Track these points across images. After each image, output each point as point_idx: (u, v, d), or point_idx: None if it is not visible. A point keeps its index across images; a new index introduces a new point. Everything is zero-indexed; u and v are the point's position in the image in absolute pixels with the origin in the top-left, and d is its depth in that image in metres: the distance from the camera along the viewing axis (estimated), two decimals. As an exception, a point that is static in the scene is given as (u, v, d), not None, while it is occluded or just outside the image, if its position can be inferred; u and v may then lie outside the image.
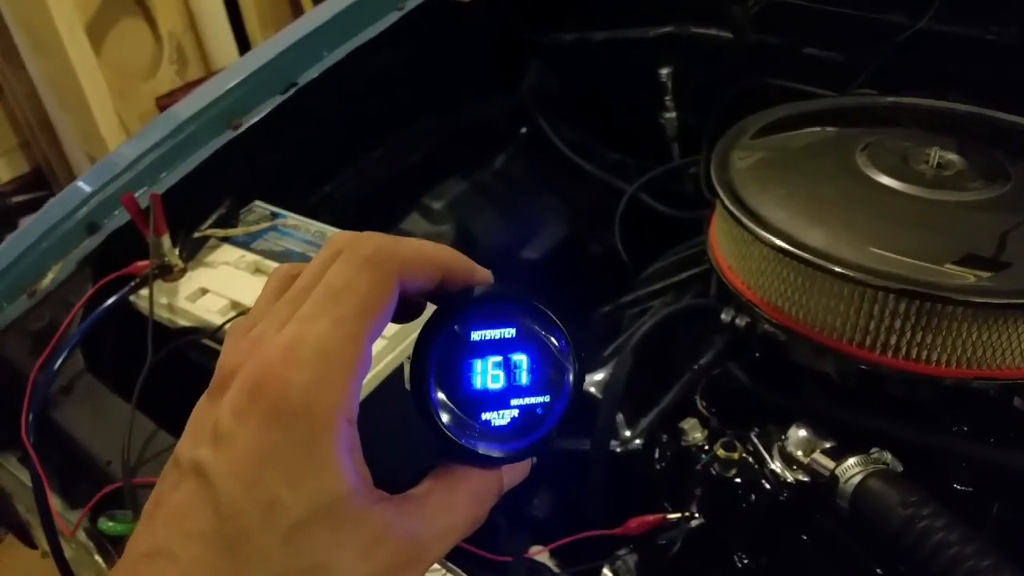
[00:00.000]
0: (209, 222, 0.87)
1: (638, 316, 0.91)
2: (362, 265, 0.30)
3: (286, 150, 1.03)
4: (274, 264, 0.82)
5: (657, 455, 0.76)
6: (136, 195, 0.83)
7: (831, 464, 0.63)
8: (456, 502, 0.32)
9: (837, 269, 0.61)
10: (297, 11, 2.97)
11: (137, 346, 0.75)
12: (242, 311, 0.78)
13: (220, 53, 2.77)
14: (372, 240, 0.31)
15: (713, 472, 0.70)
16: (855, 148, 0.75)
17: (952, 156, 0.72)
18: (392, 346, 0.71)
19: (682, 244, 0.99)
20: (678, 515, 0.71)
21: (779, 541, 0.71)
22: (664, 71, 1.15)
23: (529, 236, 1.22)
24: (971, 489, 0.65)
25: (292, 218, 0.89)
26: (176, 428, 0.30)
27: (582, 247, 1.25)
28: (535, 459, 0.35)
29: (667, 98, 1.16)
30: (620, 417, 0.77)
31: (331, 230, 0.87)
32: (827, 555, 0.68)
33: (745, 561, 0.72)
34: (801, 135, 0.82)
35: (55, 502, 0.70)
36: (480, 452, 0.32)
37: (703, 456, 0.71)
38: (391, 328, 0.69)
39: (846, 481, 0.61)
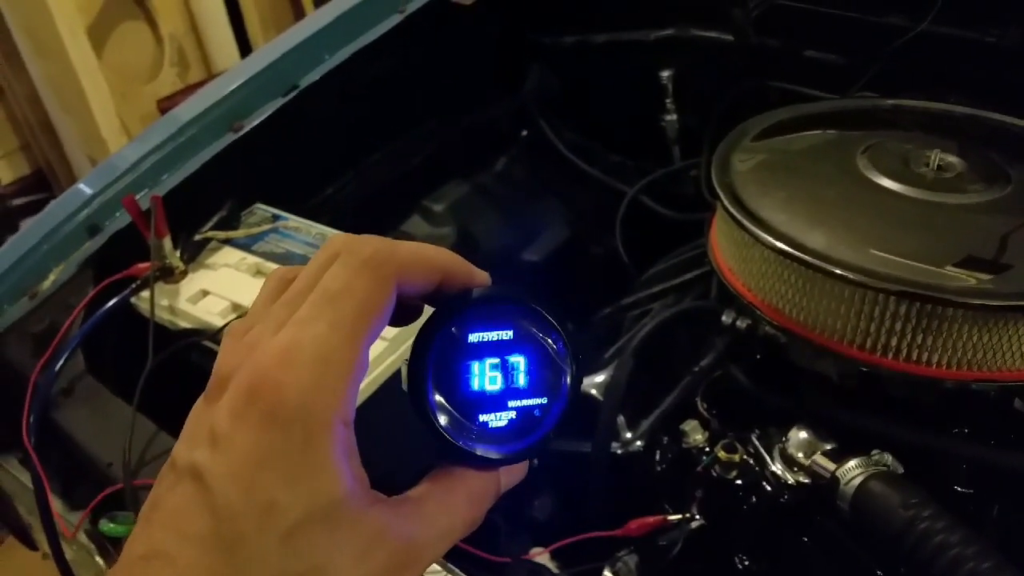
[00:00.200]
0: (210, 224, 0.87)
1: (639, 318, 0.91)
2: (360, 268, 0.30)
3: (287, 152, 1.03)
4: (275, 266, 0.82)
5: (658, 457, 0.76)
6: (137, 197, 0.83)
7: (832, 466, 0.63)
8: (454, 504, 0.32)
9: (837, 271, 0.61)
10: (298, 14, 2.98)
11: (138, 348, 0.75)
12: (243, 313, 0.78)
13: (221, 56, 2.77)
14: (370, 243, 0.31)
15: (714, 474, 0.70)
16: (856, 150, 0.75)
17: (952, 159, 0.72)
18: (392, 348, 0.71)
19: (683, 246, 0.99)
20: (679, 516, 0.71)
21: (780, 543, 0.71)
22: (665, 73, 1.15)
23: (530, 238, 1.22)
24: (972, 491, 0.65)
25: (293, 220, 0.89)
26: (177, 430, 0.30)
27: (583, 249, 1.25)
28: (534, 461, 0.35)
29: (668, 100, 1.16)
30: (621, 419, 0.77)
31: (332, 232, 0.87)
32: (828, 557, 0.68)
33: (746, 562, 0.72)
34: (802, 137, 0.82)
35: (56, 504, 0.70)
36: (478, 454, 0.32)
37: (704, 458, 0.71)
38: (391, 330, 0.69)
39: (847, 483, 0.61)
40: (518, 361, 0.33)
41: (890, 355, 0.62)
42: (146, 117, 2.56)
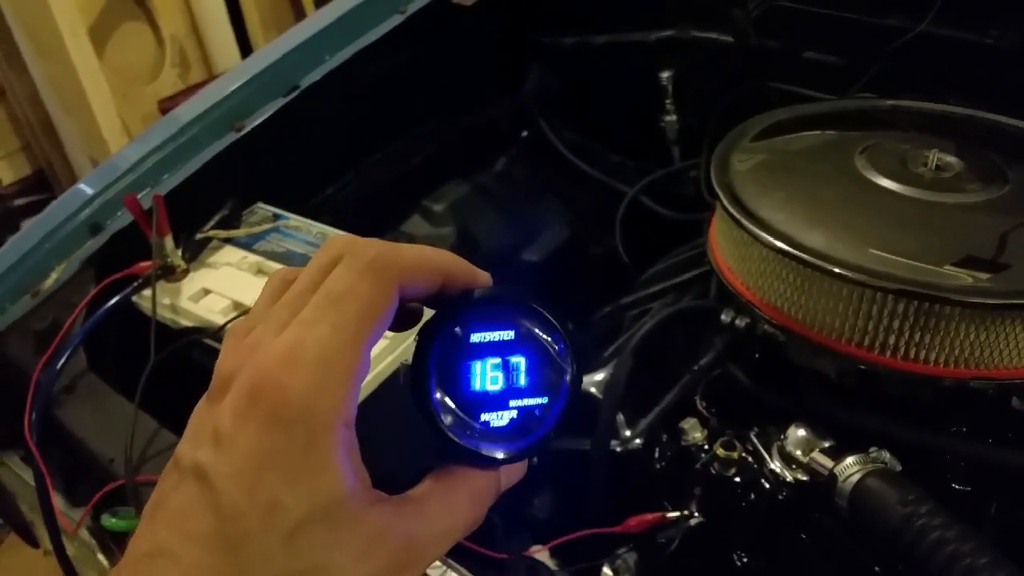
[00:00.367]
0: (211, 223, 0.88)
1: (638, 317, 0.91)
2: (363, 271, 0.30)
3: (288, 152, 1.03)
4: (276, 265, 0.82)
5: (657, 455, 0.77)
6: (139, 197, 0.83)
7: (830, 463, 0.64)
8: (455, 503, 0.32)
9: (836, 270, 0.61)
10: (299, 14, 2.97)
11: (139, 346, 0.76)
12: (244, 311, 0.78)
13: (222, 56, 2.77)
14: (373, 246, 0.31)
15: (713, 471, 0.70)
16: (854, 151, 0.75)
17: (950, 158, 0.72)
18: (393, 347, 0.72)
19: (682, 246, 0.99)
20: (677, 514, 0.71)
21: (778, 540, 0.71)
22: (665, 74, 1.16)
23: (530, 238, 1.22)
24: (969, 488, 0.66)
25: (294, 219, 0.90)
26: (178, 427, 0.30)
27: (583, 249, 1.25)
28: (534, 459, 0.35)
29: (667, 101, 1.16)
30: (620, 417, 0.77)
31: (333, 232, 0.87)
32: (826, 554, 0.68)
33: (744, 560, 0.72)
34: (801, 138, 0.83)
35: (58, 500, 0.70)
36: (482, 453, 0.33)
37: (703, 455, 0.72)
38: (392, 329, 0.70)
39: (845, 480, 0.62)
40: (519, 361, 0.33)
41: (888, 353, 0.62)
42: (147, 118, 2.55)
